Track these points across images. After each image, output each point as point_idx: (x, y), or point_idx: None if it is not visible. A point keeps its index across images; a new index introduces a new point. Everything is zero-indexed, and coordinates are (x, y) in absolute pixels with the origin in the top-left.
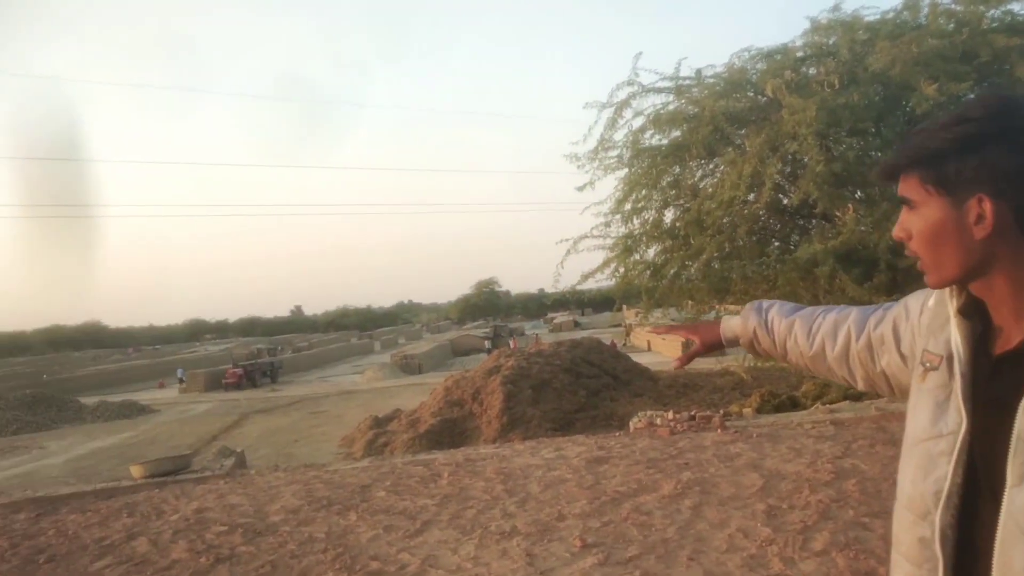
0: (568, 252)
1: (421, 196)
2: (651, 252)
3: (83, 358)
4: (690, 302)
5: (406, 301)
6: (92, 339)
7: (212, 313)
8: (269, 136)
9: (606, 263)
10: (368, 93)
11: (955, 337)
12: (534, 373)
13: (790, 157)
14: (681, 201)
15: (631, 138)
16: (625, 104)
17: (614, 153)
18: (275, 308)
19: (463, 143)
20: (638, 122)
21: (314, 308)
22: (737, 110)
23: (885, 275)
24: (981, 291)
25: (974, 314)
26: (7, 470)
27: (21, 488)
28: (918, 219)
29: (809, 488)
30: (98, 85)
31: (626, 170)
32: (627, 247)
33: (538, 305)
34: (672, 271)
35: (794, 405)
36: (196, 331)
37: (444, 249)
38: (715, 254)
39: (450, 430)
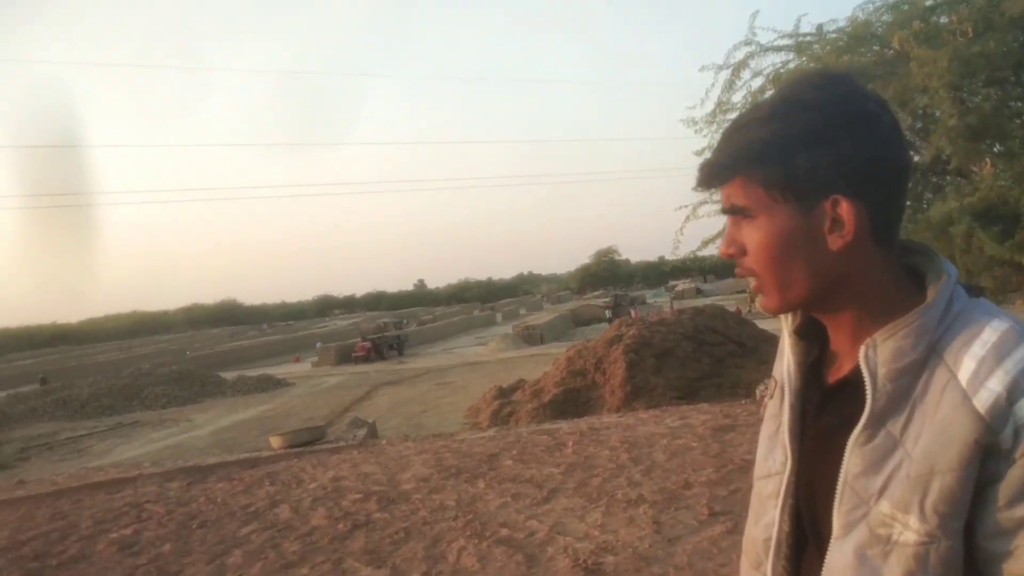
0: (688, 218)
1: (539, 167)
2: None
3: (221, 335)
4: None
5: (526, 272)
6: (229, 316)
7: (339, 289)
8: (376, 112)
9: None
10: (489, 66)
11: (787, 361)
12: (656, 342)
13: (920, 112)
14: None
15: (749, 100)
16: (743, 65)
17: (732, 116)
18: (399, 283)
19: (580, 112)
20: (757, 83)
21: (436, 282)
22: (862, 65)
23: None
24: (822, 311)
25: (811, 336)
26: (158, 442)
27: (172, 459)
28: (757, 230)
29: None
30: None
31: None
32: None
33: (658, 273)
34: None
35: None
36: (325, 307)
37: (563, 219)
38: None
39: (573, 400)
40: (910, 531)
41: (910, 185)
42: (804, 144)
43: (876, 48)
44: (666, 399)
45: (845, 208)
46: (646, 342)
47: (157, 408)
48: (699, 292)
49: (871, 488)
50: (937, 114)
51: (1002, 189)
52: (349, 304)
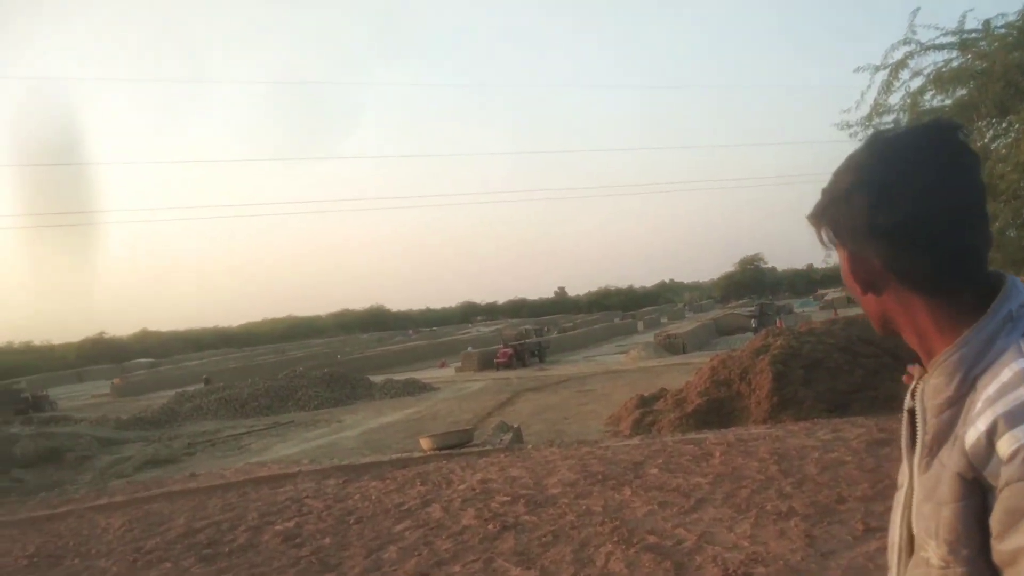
0: None
1: (683, 173)
2: None
3: (369, 339)
4: None
5: (667, 280)
6: (376, 322)
7: (482, 296)
8: (507, 119)
9: None
10: (615, 72)
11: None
12: (805, 352)
13: None
14: None
15: (909, 101)
16: (901, 64)
17: (890, 118)
18: (540, 290)
19: (720, 118)
20: (916, 83)
21: (577, 289)
22: None
23: None
24: (908, 341)
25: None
26: (312, 441)
27: (324, 457)
28: (842, 265)
29: None
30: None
31: None
32: None
33: (806, 281)
34: None
35: None
36: (468, 313)
37: (707, 226)
38: (1010, 221)
39: (717, 410)
40: (934, 557)
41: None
42: (839, 198)
43: None
44: (815, 412)
45: (849, 259)
46: (794, 352)
47: (310, 409)
48: (850, 301)
49: (926, 513)
50: None
51: None
52: (491, 311)
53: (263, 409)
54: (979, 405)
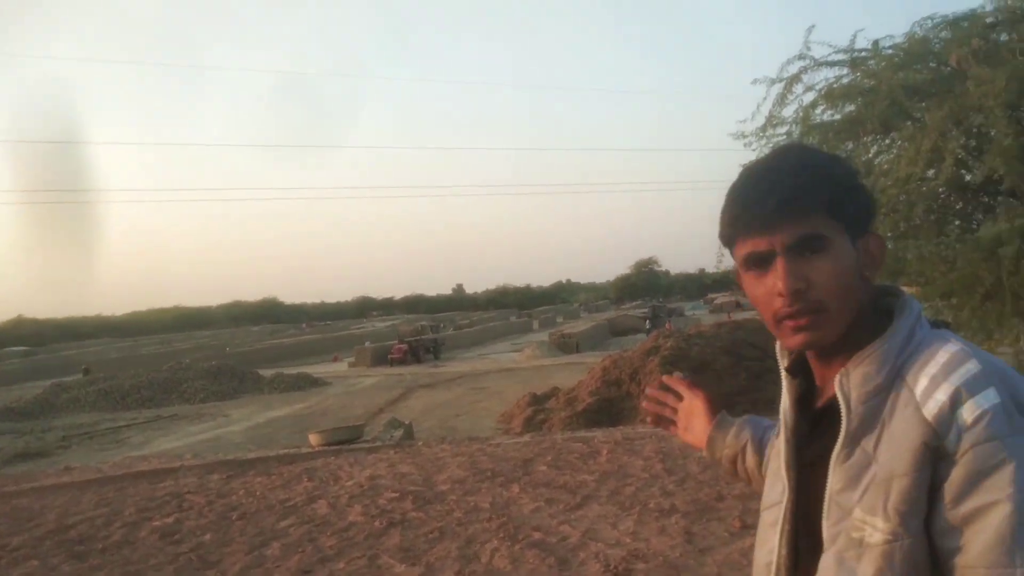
0: None
1: (582, 175)
2: None
3: (260, 332)
4: None
5: (564, 280)
6: (269, 314)
7: (378, 291)
8: (416, 116)
9: None
10: (538, 72)
11: (784, 400)
12: (694, 355)
13: (975, 131)
14: None
15: (801, 114)
16: (796, 79)
17: (783, 130)
18: (438, 286)
19: (625, 121)
20: (809, 97)
21: (475, 287)
22: (917, 82)
23: None
24: (835, 343)
25: (799, 372)
26: (196, 435)
27: (209, 452)
28: (832, 262)
29: None
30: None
31: None
32: None
33: (698, 285)
34: None
35: None
36: (364, 308)
37: (603, 228)
38: (889, 233)
39: (607, 409)
40: (878, 532)
41: (960, 205)
42: (854, 186)
43: (933, 65)
44: None
45: (876, 243)
46: (683, 354)
47: (195, 402)
48: (739, 306)
49: (851, 501)
50: (992, 133)
51: None
52: (388, 306)
53: (145, 401)
54: (923, 383)
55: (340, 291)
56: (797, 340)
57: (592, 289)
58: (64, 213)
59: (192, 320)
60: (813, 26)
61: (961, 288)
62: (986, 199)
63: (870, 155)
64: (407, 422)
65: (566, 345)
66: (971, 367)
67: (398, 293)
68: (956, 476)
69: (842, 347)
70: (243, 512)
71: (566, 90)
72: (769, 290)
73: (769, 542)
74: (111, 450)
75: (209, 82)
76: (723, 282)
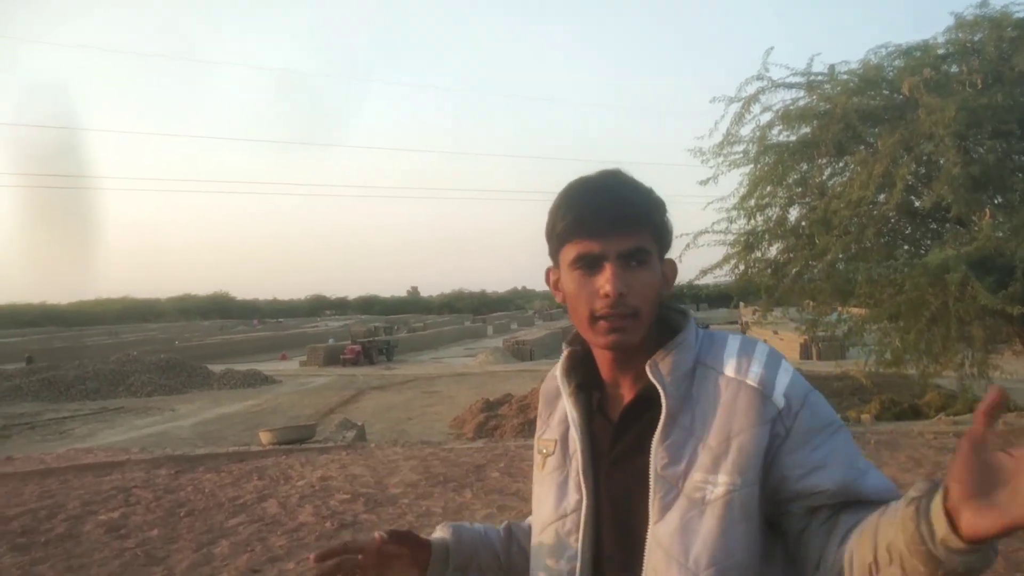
0: (687, 246)
1: (539, 183)
2: (773, 250)
3: (211, 327)
4: (811, 303)
5: (520, 287)
6: (220, 309)
7: (332, 290)
8: (381, 116)
9: (726, 259)
10: (498, 80)
11: (571, 415)
12: None
13: (925, 158)
14: (807, 199)
15: (758, 133)
16: (753, 99)
17: (740, 148)
18: (392, 288)
19: (584, 132)
20: (766, 117)
21: (430, 290)
22: (871, 108)
23: (1021, 284)
24: (632, 348)
25: (589, 386)
26: (142, 429)
27: (155, 447)
28: (650, 273)
29: None
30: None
31: (751, 166)
32: (748, 244)
33: None
34: (794, 270)
35: (916, 414)
36: (317, 306)
37: None
38: (840, 255)
39: None
40: (719, 487)
41: (909, 230)
42: (666, 217)
43: (886, 92)
44: None
45: (671, 268)
46: None
47: (142, 396)
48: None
49: (677, 471)
50: (941, 162)
51: (999, 240)
52: (341, 306)
53: (90, 393)
54: (731, 362)
55: (293, 289)
56: (610, 339)
57: (547, 296)
58: (12, 197)
59: (140, 312)
60: (772, 48)
61: (908, 311)
62: (934, 225)
63: (824, 177)
64: (359, 423)
65: (520, 352)
66: (763, 347)
67: (352, 293)
68: (799, 426)
69: (639, 350)
70: (191, 508)
71: (527, 98)
72: (592, 290)
73: (568, 550)
74: (54, 441)
75: (204, 75)
76: (678, 296)
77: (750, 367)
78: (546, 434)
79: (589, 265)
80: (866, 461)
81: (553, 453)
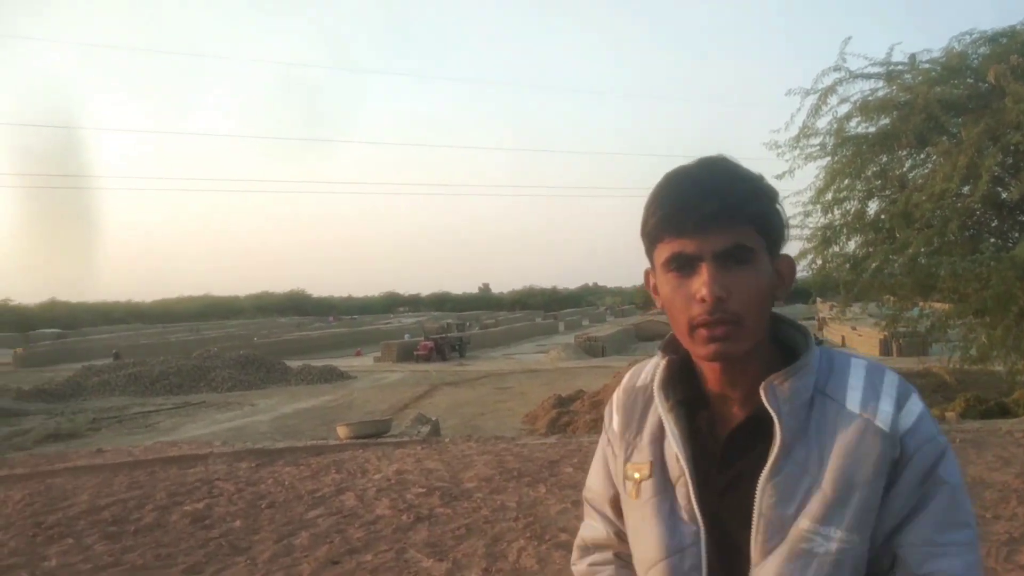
0: None
1: (612, 179)
2: (852, 244)
3: (288, 324)
4: (891, 298)
5: (591, 284)
6: (296, 306)
7: (406, 287)
8: (443, 116)
9: (802, 254)
10: (563, 76)
11: (672, 433)
12: None
13: (1012, 148)
14: (887, 192)
15: (835, 126)
16: (830, 91)
17: (816, 141)
18: (464, 285)
19: (650, 127)
20: (843, 109)
21: (501, 286)
22: (954, 97)
23: None
24: (742, 361)
25: (691, 401)
26: (223, 423)
27: (238, 440)
28: (754, 275)
29: (1017, 499)
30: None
31: (829, 159)
32: (826, 238)
33: None
34: (873, 265)
35: (1003, 412)
36: (391, 303)
37: (632, 232)
38: (922, 249)
39: None
40: (832, 542)
41: (995, 223)
42: (778, 207)
43: (970, 81)
44: None
45: (788, 265)
46: None
47: (222, 391)
48: None
49: (785, 514)
50: None
51: None
52: (414, 303)
53: (174, 388)
54: (855, 395)
55: (368, 286)
56: (710, 349)
57: (619, 293)
58: (98, 201)
59: (220, 309)
60: (850, 37)
61: (995, 306)
62: (1022, 217)
63: (904, 169)
64: (433, 418)
65: (592, 348)
66: (892, 377)
67: (425, 290)
68: (908, 476)
69: (750, 361)
70: (272, 500)
71: (598, 93)
72: (689, 295)
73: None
74: (140, 434)
75: (233, 73)
76: None
77: (879, 404)
78: (635, 456)
79: (683, 266)
80: (973, 530)
81: (650, 477)
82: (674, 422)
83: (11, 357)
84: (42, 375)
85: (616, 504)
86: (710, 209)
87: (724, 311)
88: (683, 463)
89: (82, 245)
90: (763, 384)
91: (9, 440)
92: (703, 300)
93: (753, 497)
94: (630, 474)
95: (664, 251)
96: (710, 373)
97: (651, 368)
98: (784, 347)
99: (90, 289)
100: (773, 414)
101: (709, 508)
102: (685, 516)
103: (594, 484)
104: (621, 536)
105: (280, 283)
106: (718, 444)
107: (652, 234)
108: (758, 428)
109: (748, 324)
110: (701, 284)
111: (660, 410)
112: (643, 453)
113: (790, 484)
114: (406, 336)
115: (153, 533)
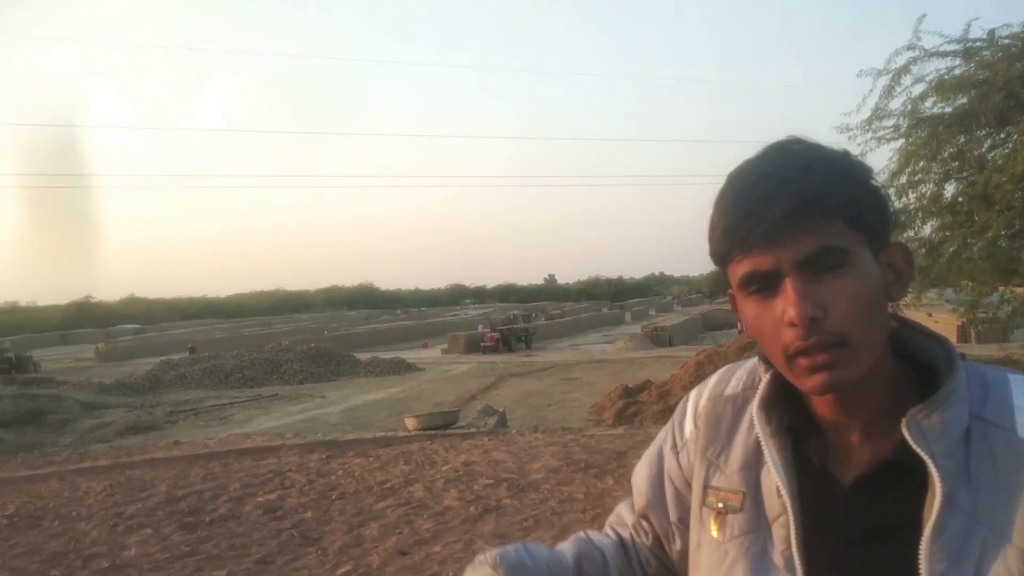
0: None
1: (677, 167)
2: (927, 228)
3: (357, 317)
4: (970, 283)
5: (657, 273)
6: (365, 299)
7: (472, 279)
8: (518, 107)
9: None
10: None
11: (774, 464)
12: None
13: None
14: (965, 174)
15: (910, 106)
16: (904, 70)
17: (890, 123)
18: (529, 276)
19: (724, 114)
20: (918, 89)
21: (566, 277)
22: None
23: None
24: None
25: (798, 427)
26: (295, 415)
27: (309, 432)
28: (849, 279)
29: None
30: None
31: (903, 141)
32: (901, 223)
33: None
34: (951, 249)
35: None
36: (457, 295)
37: (698, 221)
38: (1003, 232)
39: None
40: None
41: None
42: (874, 187)
43: None
44: None
45: (902, 255)
46: None
47: (294, 383)
48: None
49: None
50: None
51: None
52: (480, 294)
53: (247, 381)
54: None
55: (435, 279)
56: (815, 382)
57: (685, 282)
58: (173, 201)
59: (291, 303)
60: (924, 15)
61: None
62: None
63: (983, 149)
64: (500, 410)
65: (659, 338)
66: None
67: (491, 282)
68: None
69: (868, 388)
70: (342, 492)
71: (667, 79)
72: (776, 319)
73: None
74: (215, 426)
75: (270, 69)
76: None
77: None
78: (718, 481)
79: (763, 286)
80: None
81: (740, 511)
82: (776, 450)
83: (93, 352)
84: (122, 369)
85: (658, 516)
86: (780, 210)
87: (822, 332)
88: (787, 499)
89: (157, 244)
90: (905, 420)
91: (92, 433)
92: (792, 324)
93: (907, 556)
94: (711, 502)
95: (737, 271)
96: (820, 400)
97: (744, 374)
98: (913, 359)
99: (166, 286)
100: (926, 458)
101: (812, 556)
102: (780, 562)
103: (642, 487)
104: (644, 535)
105: (349, 277)
106: (838, 483)
107: (719, 253)
108: (898, 469)
109: (858, 342)
110: (787, 304)
111: (760, 435)
112: (732, 480)
113: (960, 539)
114: (479, 327)
115: (227, 524)
